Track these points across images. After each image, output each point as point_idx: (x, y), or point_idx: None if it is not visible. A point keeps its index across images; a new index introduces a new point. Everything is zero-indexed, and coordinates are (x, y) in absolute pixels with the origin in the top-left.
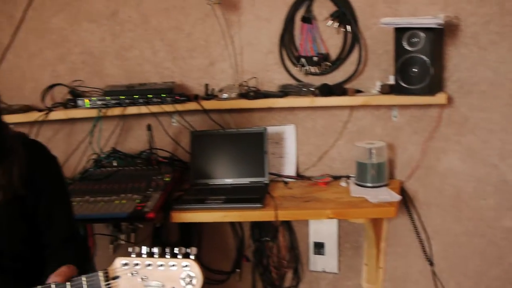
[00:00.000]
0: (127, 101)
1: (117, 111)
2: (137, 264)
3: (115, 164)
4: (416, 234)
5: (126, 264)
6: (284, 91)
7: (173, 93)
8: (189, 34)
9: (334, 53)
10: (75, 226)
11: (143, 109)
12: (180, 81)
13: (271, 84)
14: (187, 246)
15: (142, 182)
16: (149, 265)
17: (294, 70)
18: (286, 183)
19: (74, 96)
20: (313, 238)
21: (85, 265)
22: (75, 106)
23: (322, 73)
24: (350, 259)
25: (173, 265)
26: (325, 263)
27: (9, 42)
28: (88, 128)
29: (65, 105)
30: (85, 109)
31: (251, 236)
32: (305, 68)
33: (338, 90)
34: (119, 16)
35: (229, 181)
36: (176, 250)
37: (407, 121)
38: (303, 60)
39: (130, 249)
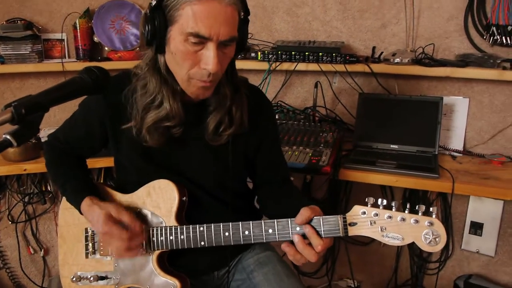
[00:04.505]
0: (297, 57)
1: (285, 66)
2: (376, 215)
3: (276, 117)
4: None
5: (364, 213)
6: (464, 61)
7: (341, 53)
8: None
9: None
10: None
11: (311, 66)
12: (347, 42)
13: (447, 53)
14: (334, 204)
15: (310, 137)
16: (389, 217)
17: (478, 39)
18: (454, 157)
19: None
20: (471, 217)
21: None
22: (244, 57)
23: None
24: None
25: (416, 221)
26: (480, 244)
27: None
28: (253, 80)
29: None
30: (257, 61)
31: (402, 204)
32: (494, 38)
33: None
34: None
35: (394, 147)
36: (417, 207)
37: None
38: (493, 28)
39: (366, 199)
